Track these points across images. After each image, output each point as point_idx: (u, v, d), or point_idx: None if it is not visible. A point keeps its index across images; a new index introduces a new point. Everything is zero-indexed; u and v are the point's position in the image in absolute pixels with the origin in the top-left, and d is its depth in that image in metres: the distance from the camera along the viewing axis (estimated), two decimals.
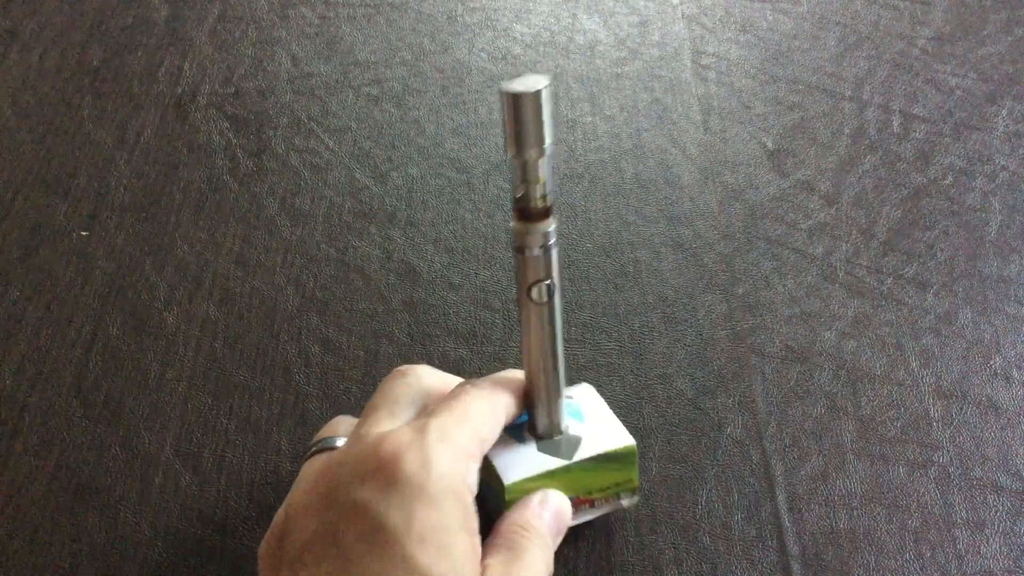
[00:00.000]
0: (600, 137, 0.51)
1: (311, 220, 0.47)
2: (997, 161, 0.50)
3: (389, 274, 0.45)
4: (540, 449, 0.32)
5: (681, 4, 0.59)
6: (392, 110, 0.53)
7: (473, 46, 0.56)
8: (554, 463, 0.32)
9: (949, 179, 0.49)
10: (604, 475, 0.33)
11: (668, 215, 0.47)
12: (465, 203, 0.48)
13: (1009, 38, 0.57)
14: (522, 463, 0.32)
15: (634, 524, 0.36)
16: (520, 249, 0.28)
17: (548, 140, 0.25)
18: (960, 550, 0.35)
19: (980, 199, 0.48)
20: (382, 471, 0.26)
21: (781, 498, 0.37)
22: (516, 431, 0.33)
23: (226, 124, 0.52)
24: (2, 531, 0.36)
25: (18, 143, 0.50)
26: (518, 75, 0.24)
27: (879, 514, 0.36)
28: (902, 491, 0.37)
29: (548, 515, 0.31)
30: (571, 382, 0.37)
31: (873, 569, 0.35)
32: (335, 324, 0.43)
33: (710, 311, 0.43)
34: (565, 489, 0.32)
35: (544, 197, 0.27)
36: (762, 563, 0.35)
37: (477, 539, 0.27)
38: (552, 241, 0.28)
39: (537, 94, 0.24)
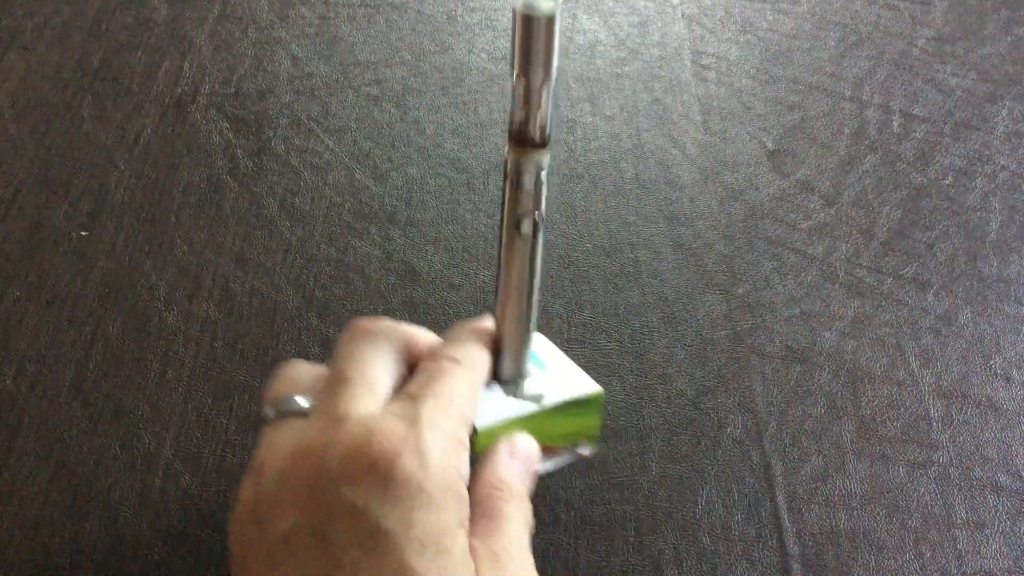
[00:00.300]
0: (600, 137, 0.51)
1: (311, 220, 0.47)
2: (997, 161, 0.50)
3: (389, 274, 0.45)
4: (508, 394, 0.31)
5: (681, 4, 0.59)
6: (392, 110, 0.53)
7: (473, 46, 0.56)
8: (526, 408, 0.31)
9: (949, 179, 0.49)
10: (571, 421, 0.32)
11: (668, 215, 0.47)
12: (465, 203, 0.48)
13: (1009, 38, 0.57)
14: (492, 409, 0.31)
15: (634, 524, 0.36)
16: (514, 178, 0.26)
17: (554, 65, 0.24)
18: (960, 550, 0.35)
19: (980, 199, 0.48)
20: (377, 470, 0.25)
21: (781, 498, 0.37)
22: None
23: (226, 124, 0.52)
24: (2, 531, 0.36)
25: (18, 143, 0.50)
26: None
27: (879, 514, 0.36)
28: (902, 491, 0.37)
29: (519, 465, 0.30)
30: None
31: (873, 569, 0.35)
32: (335, 324, 0.42)
33: (710, 311, 0.43)
34: (531, 435, 0.31)
35: (543, 127, 0.26)
36: (762, 563, 0.35)
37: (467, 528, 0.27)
38: (545, 173, 0.27)
39: (551, 18, 0.23)
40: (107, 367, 0.41)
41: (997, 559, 0.35)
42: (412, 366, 0.30)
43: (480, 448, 0.30)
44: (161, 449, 0.38)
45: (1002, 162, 0.50)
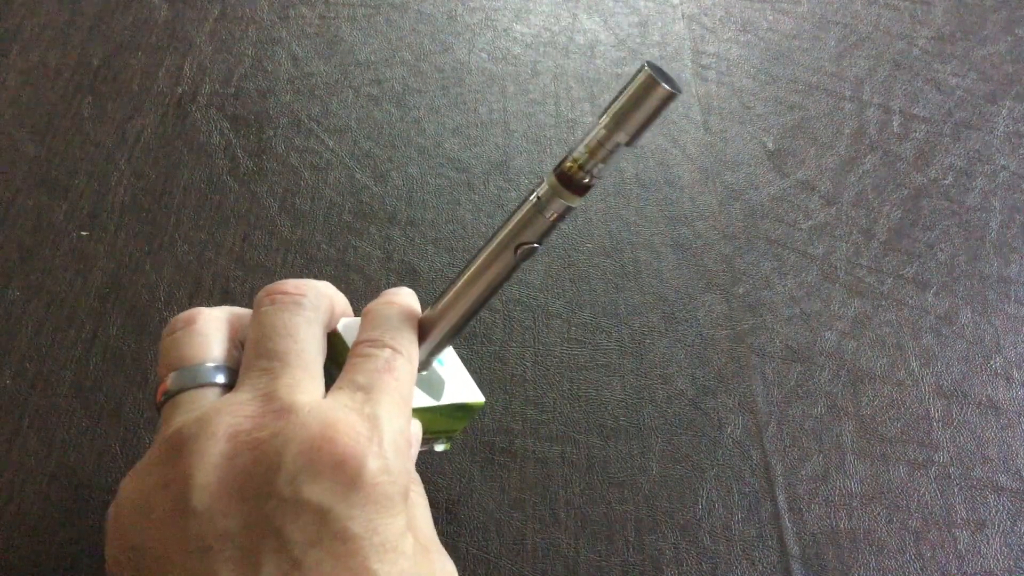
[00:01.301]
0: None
1: (311, 220, 0.47)
2: (997, 161, 0.50)
3: (389, 274, 0.45)
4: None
5: (681, 4, 0.59)
6: (392, 110, 0.53)
7: (473, 46, 0.56)
8: (426, 401, 0.31)
9: (949, 179, 0.49)
10: (446, 421, 0.33)
11: (668, 215, 0.47)
12: (465, 203, 0.48)
13: (1009, 38, 0.57)
14: None
15: (634, 524, 0.36)
16: (540, 208, 0.27)
17: (640, 138, 0.24)
18: (960, 550, 0.35)
19: (980, 199, 0.48)
20: (342, 470, 0.23)
21: (781, 498, 0.37)
22: None
23: (226, 124, 0.52)
24: (2, 531, 0.36)
25: (18, 143, 0.50)
26: (660, 68, 0.23)
27: (879, 514, 0.36)
28: (902, 491, 0.37)
29: (414, 450, 0.29)
30: (569, 378, 0.37)
31: (873, 569, 0.35)
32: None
33: (710, 311, 0.43)
34: (431, 423, 0.32)
35: (592, 179, 0.26)
36: (762, 563, 0.35)
37: (416, 529, 0.26)
38: (566, 217, 0.27)
39: (672, 96, 0.23)
40: (107, 367, 0.41)
41: (997, 559, 0.35)
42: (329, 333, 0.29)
43: None
44: None
45: (1002, 162, 0.50)
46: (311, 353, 0.27)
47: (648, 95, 0.23)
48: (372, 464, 0.24)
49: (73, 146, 0.50)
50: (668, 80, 0.23)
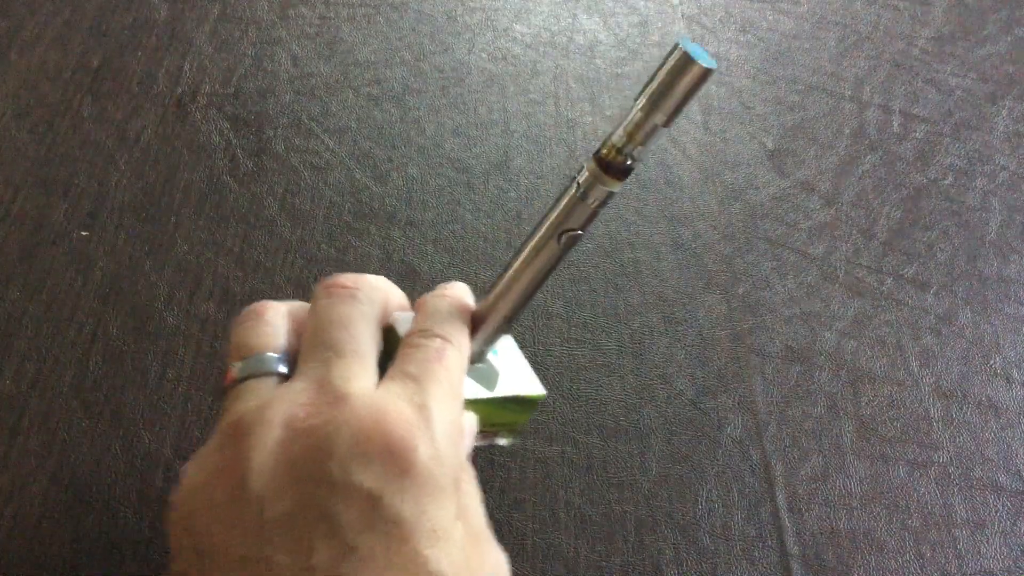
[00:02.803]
0: (600, 137, 0.51)
1: (311, 220, 0.47)
2: (997, 161, 0.50)
3: (389, 274, 0.45)
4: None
5: (681, 4, 0.59)
6: (392, 110, 0.53)
7: (473, 46, 0.56)
8: (480, 393, 0.31)
9: (949, 179, 0.49)
10: (505, 414, 0.33)
11: (668, 215, 0.47)
12: (465, 203, 0.48)
13: (1009, 38, 0.57)
14: None
15: (634, 524, 0.36)
16: (581, 193, 0.26)
17: (677, 117, 0.24)
18: (960, 550, 0.35)
19: (980, 199, 0.48)
20: (394, 458, 0.24)
21: (781, 498, 0.37)
22: None
23: (226, 124, 0.52)
24: (2, 531, 0.36)
25: (18, 143, 0.50)
26: (694, 44, 0.23)
27: (879, 514, 0.36)
28: (902, 491, 0.37)
29: (468, 441, 0.30)
30: (569, 378, 0.37)
31: (873, 569, 0.35)
32: None
33: (710, 311, 0.43)
34: (481, 416, 0.32)
35: (634, 162, 0.26)
36: (762, 563, 0.35)
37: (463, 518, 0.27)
38: (608, 202, 0.27)
39: (708, 72, 0.23)
40: (107, 367, 0.41)
41: (997, 559, 0.35)
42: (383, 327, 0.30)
43: None
44: (161, 449, 0.38)
45: (1002, 162, 0.50)
46: (365, 344, 0.27)
47: (684, 73, 0.23)
48: (423, 451, 0.24)
49: (73, 146, 0.50)
50: (702, 56, 0.23)
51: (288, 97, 0.53)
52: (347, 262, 0.45)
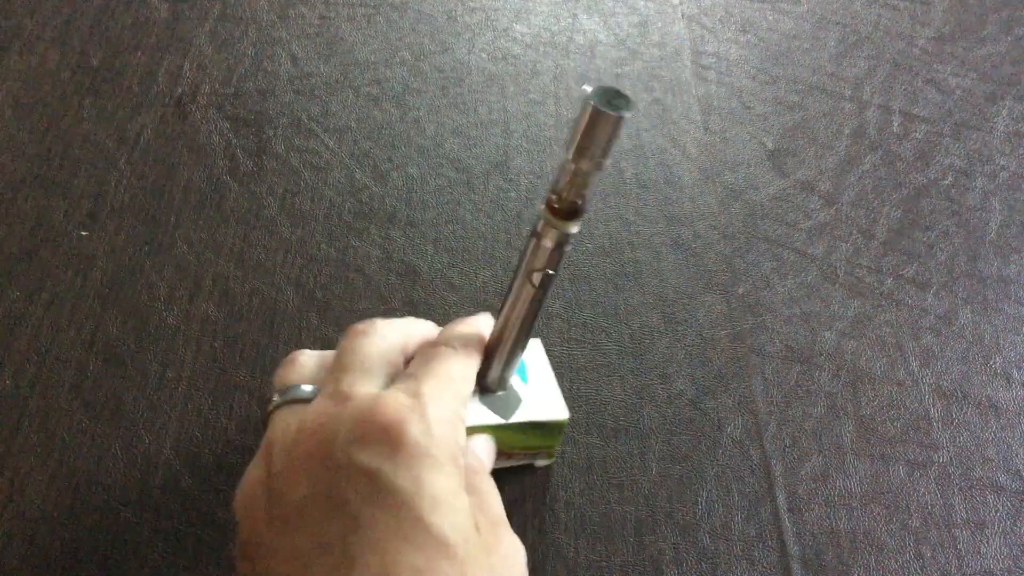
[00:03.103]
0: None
1: (311, 220, 0.47)
2: (997, 161, 0.50)
3: (389, 274, 0.45)
4: (482, 401, 0.34)
5: (681, 4, 0.59)
6: (392, 110, 0.53)
7: (473, 46, 0.56)
8: (491, 419, 0.33)
9: (949, 179, 0.49)
10: (531, 438, 0.35)
11: (668, 215, 0.47)
12: (465, 203, 0.48)
13: (1009, 38, 0.57)
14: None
15: (634, 524, 0.36)
16: (536, 236, 0.28)
17: (606, 159, 0.25)
18: (960, 550, 0.35)
19: (980, 199, 0.48)
20: (386, 435, 0.26)
21: (781, 498, 0.37)
22: None
23: (226, 124, 0.52)
24: (2, 531, 0.36)
25: (18, 143, 0.50)
26: (605, 88, 0.24)
27: (879, 514, 0.36)
28: (902, 491, 0.37)
29: (482, 457, 0.32)
30: (569, 378, 0.37)
31: (873, 569, 0.35)
32: (335, 324, 0.42)
33: (710, 311, 0.43)
34: (498, 441, 0.34)
35: (580, 204, 0.27)
36: (762, 563, 0.35)
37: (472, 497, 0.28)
38: (569, 241, 0.28)
39: (620, 119, 0.24)
40: (107, 367, 0.41)
41: (997, 559, 0.35)
42: (409, 359, 0.32)
43: None
44: (161, 449, 0.38)
45: (1002, 162, 0.50)
46: (372, 363, 0.31)
47: (598, 125, 0.24)
48: (414, 427, 0.27)
49: (73, 146, 0.50)
50: (618, 98, 0.24)
51: (288, 97, 0.53)
52: (347, 262, 0.45)
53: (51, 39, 0.56)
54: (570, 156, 0.25)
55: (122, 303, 0.43)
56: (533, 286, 0.30)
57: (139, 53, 0.56)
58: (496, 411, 0.34)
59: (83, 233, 0.46)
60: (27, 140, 0.51)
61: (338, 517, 0.26)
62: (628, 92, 0.24)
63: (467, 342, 0.32)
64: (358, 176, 0.49)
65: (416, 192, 0.48)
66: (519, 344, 0.32)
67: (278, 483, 0.27)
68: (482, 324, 0.34)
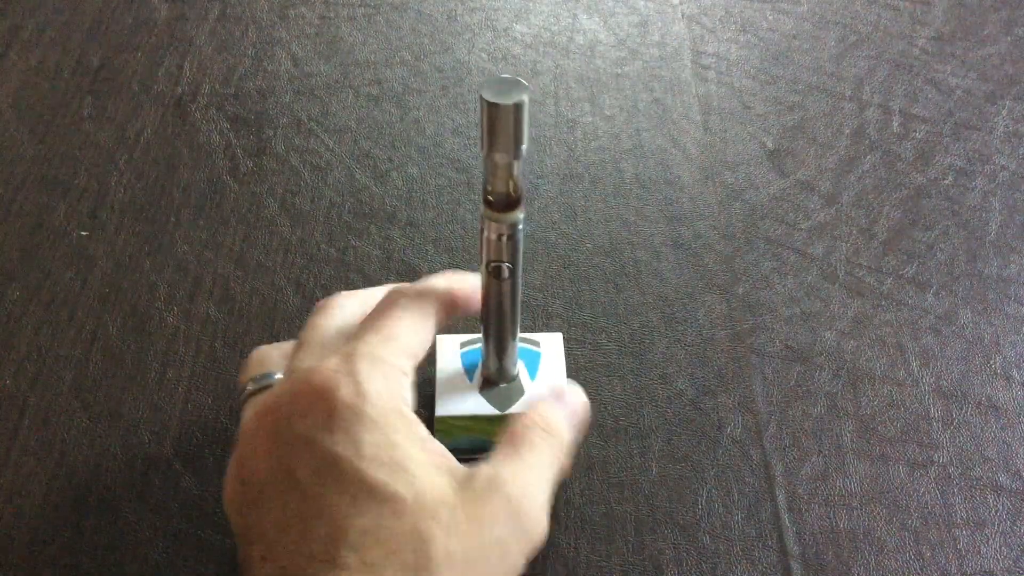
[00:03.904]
0: (600, 137, 0.51)
1: (311, 220, 0.47)
2: (997, 161, 0.50)
3: (389, 274, 0.45)
4: (481, 393, 0.34)
5: (681, 4, 0.59)
6: (392, 110, 0.53)
7: (473, 46, 0.56)
8: (486, 409, 0.34)
9: (949, 179, 0.49)
10: None
11: (668, 215, 0.47)
12: (465, 203, 0.48)
13: (1009, 38, 0.57)
14: (459, 401, 0.34)
15: (634, 524, 0.36)
16: (486, 230, 0.29)
17: (520, 147, 0.25)
18: (960, 550, 0.35)
19: (980, 199, 0.48)
20: (319, 403, 0.26)
21: (781, 498, 0.37)
22: (472, 371, 0.35)
23: (226, 124, 0.52)
24: (2, 531, 0.36)
25: (18, 143, 0.50)
26: (500, 78, 0.25)
27: (879, 514, 0.36)
28: (902, 491, 0.37)
29: (563, 410, 0.31)
30: (569, 372, 0.37)
31: (873, 569, 0.35)
32: None
33: (710, 311, 0.43)
34: (493, 433, 0.32)
35: (508, 194, 0.27)
36: (762, 563, 0.35)
37: (433, 448, 0.28)
38: (515, 232, 0.29)
39: (516, 106, 0.24)
40: (107, 367, 0.41)
41: (997, 559, 0.35)
42: None
43: (439, 432, 0.34)
44: (161, 449, 0.38)
45: (1002, 162, 0.50)
46: (329, 337, 0.31)
47: (498, 117, 0.24)
48: (343, 391, 0.26)
49: (73, 146, 0.50)
50: (512, 87, 0.24)
51: (288, 97, 0.53)
52: (347, 262, 0.45)
53: (51, 39, 0.56)
54: (484, 152, 0.26)
55: (122, 303, 0.43)
56: (498, 280, 0.30)
57: (139, 53, 0.56)
58: (494, 403, 0.34)
59: (83, 233, 0.46)
60: (27, 140, 0.51)
61: (292, 492, 0.26)
62: (523, 84, 0.24)
63: (420, 293, 0.31)
64: (358, 176, 0.49)
65: (416, 192, 0.48)
66: (503, 336, 0.32)
67: (245, 470, 0.27)
68: (441, 278, 0.33)
